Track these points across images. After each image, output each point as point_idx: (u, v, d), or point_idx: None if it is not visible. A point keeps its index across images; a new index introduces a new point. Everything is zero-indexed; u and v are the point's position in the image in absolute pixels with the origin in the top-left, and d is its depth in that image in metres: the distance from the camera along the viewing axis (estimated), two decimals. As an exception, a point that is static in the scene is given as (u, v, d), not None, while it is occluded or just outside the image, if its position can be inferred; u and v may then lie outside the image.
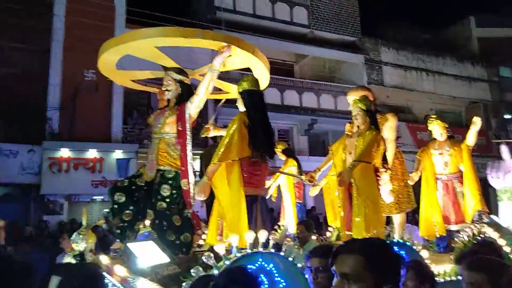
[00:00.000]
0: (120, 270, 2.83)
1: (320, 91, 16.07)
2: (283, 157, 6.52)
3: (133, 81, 4.48)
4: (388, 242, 3.04)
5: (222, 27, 13.39)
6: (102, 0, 12.40)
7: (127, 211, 3.56)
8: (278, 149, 6.35)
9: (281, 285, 2.34)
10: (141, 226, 3.58)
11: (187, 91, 3.68)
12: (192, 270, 2.28)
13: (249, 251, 2.36)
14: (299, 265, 2.48)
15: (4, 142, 10.94)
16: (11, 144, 11.00)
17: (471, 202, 4.88)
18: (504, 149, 5.91)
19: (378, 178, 4.01)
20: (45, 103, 11.53)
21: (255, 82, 3.49)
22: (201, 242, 3.96)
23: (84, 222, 3.52)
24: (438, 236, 4.96)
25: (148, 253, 3.04)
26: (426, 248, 4.06)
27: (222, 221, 3.19)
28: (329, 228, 5.54)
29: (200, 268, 2.26)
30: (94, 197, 12.08)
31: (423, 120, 15.84)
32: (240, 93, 3.44)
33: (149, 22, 10.77)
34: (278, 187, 6.43)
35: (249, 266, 2.25)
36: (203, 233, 3.81)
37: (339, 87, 16.27)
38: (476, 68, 19.65)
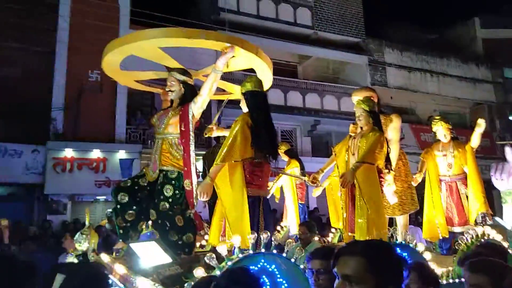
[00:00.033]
0: (120, 269, 2.84)
1: (323, 92, 16.06)
2: (285, 158, 6.53)
3: (137, 81, 4.49)
4: (390, 243, 3.03)
5: (225, 28, 13.41)
6: (106, 1, 12.46)
7: (130, 211, 3.58)
8: (281, 150, 6.36)
9: (283, 286, 2.35)
10: (143, 226, 3.59)
11: (191, 91, 3.69)
12: (194, 271, 2.29)
13: (251, 252, 2.36)
14: (301, 266, 2.48)
15: (8, 142, 10.99)
16: (15, 144, 11.06)
17: (475, 204, 4.86)
18: (508, 151, 5.90)
19: (381, 179, 4.00)
20: (50, 103, 11.58)
21: (259, 83, 3.50)
22: (203, 242, 3.97)
23: (87, 222, 3.53)
24: (441, 238, 4.94)
25: (151, 253, 3.05)
26: (429, 250, 4.05)
27: (225, 222, 3.19)
28: (332, 230, 5.54)
29: (202, 269, 2.27)
30: (98, 197, 12.12)
31: (427, 121, 15.83)
32: (243, 94, 3.44)
33: (153, 23, 10.81)
34: (281, 188, 6.43)
35: (251, 267, 2.26)
36: (206, 233, 3.82)
37: (343, 88, 16.25)
38: (481, 69, 19.57)
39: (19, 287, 1.88)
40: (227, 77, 11.49)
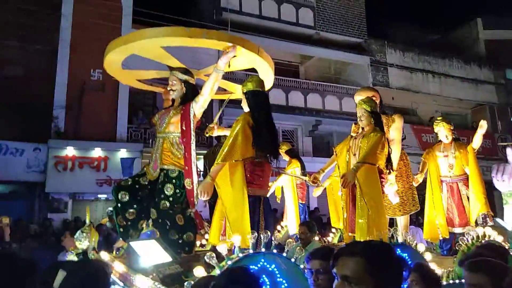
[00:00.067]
0: (119, 267, 2.84)
1: (325, 92, 16.06)
2: (286, 158, 6.53)
3: (139, 80, 4.50)
4: (391, 244, 3.03)
5: (227, 28, 13.42)
6: (109, 0, 12.47)
7: (131, 210, 3.58)
8: (282, 149, 6.35)
9: (283, 286, 2.34)
10: (144, 225, 3.59)
11: (192, 91, 3.69)
12: (194, 270, 2.29)
13: (251, 251, 2.36)
14: (301, 266, 2.48)
15: (10, 140, 11.03)
16: (17, 142, 11.10)
17: (476, 205, 4.86)
18: (510, 152, 5.89)
19: (382, 180, 4.00)
20: (52, 102, 11.60)
21: (260, 83, 3.50)
22: (203, 241, 3.98)
23: (87, 220, 3.53)
24: (441, 238, 4.94)
25: (151, 252, 3.05)
26: (430, 251, 4.05)
27: (225, 221, 3.19)
28: (332, 230, 5.54)
29: (202, 268, 2.27)
30: (99, 196, 12.15)
31: (429, 122, 15.82)
32: (245, 93, 3.44)
33: (156, 23, 10.82)
34: (282, 187, 6.43)
35: (251, 267, 2.26)
36: (206, 232, 3.82)
37: (344, 89, 16.26)
38: (483, 70, 19.54)
39: (19, 285, 1.88)
40: (229, 76, 11.54)
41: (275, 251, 2.43)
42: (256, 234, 2.42)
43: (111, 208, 3.54)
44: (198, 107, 3.58)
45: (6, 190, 11.66)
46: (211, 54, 7.90)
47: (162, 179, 3.54)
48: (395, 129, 4.55)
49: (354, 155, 4.08)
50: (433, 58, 18.43)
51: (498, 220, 5.34)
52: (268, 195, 3.47)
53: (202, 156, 5.78)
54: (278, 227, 6.06)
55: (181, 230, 3.47)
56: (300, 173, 6.27)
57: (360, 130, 4.24)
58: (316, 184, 4.81)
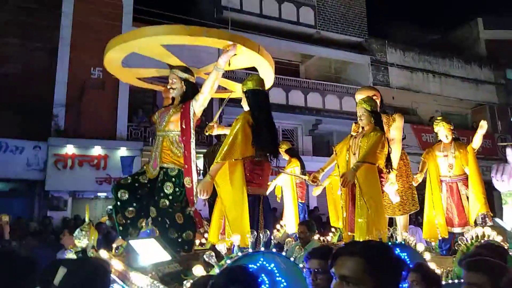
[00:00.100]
0: (117, 265, 2.84)
1: (325, 91, 16.05)
2: (286, 157, 6.53)
3: (139, 79, 4.50)
4: (390, 244, 3.03)
5: (228, 27, 13.41)
6: (109, -2, 12.47)
7: (130, 208, 3.58)
8: (282, 149, 6.36)
9: (282, 285, 2.34)
10: (143, 223, 3.59)
11: (192, 89, 3.69)
12: (193, 269, 2.29)
13: (250, 250, 2.36)
14: (300, 265, 2.48)
15: (10, 138, 11.02)
16: (17, 140, 11.09)
17: (476, 205, 4.86)
18: (509, 152, 5.88)
19: (382, 179, 4.00)
20: (52, 100, 11.59)
21: (260, 81, 3.50)
22: (203, 240, 3.98)
23: (86, 219, 3.53)
24: (440, 238, 4.94)
25: (150, 250, 3.05)
26: (429, 250, 4.05)
27: (224, 220, 3.19)
28: (332, 229, 5.54)
29: (201, 267, 2.27)
30: (98, 194, 12.15)
31: (429, 122, 15.81)
32: (245, 92, 3.44)
33: (156, 21, 10.81)
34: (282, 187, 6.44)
35: (250, 266, 2.26)
36: (205, 231, 3.82)
37: (345, 88, 16.26)
38: (483, 70, 19.53)
39: (19, 282, 1.89)
40: (229, 75, 11.52)
41: (274, 250, 2.43)
42: (256, 233, 2.42)
43: (110, 207, 3.54)
44: (198, 105, 3.57)
45: (6, 188, 11.66)
46: (212, 53, 7.89)
47: (161, 177, 3.53)
48: (395, 128, 4.55)
49: (354, 154, 4.08)
50: (433, 58, 18.42)
51: (497, 220, 5.35)
52: (268, 193, 3.47)
53: (201, 155, 5.77)
54: (278, 226, 6.07)
55: (181, 229, 3.47)
56: (299, 172, 6.27)
57: (360, 129, 4.23)
58: (315, 183, 4.81)
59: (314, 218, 8.43)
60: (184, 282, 2.31)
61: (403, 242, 3.19)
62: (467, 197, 4.98)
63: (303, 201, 6.64)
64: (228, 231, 3.04)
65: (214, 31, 3.64)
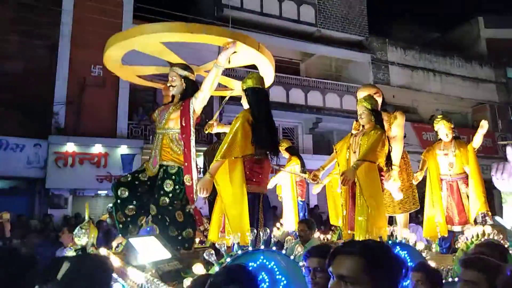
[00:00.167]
0: (115, 262, 2.85)
1: (325, 90, 16.03)
2: (286, 155, 6.52)
3: (139, 76, 4.49)
4: (390, 243, 3.03)
5: (229, 25, 13.38)
6: (110, -4, 12.45)
7: (130, 206, 3.59)
8: (282, 147, 6.35)
9: (282, 283, 2.34)
10: (143, 221, 3.59)
11: (192, 87, 3.68)
12: (193, 267, 2.29)
13: (250, 248, 2.36)
14: (300, 263, 2.47)
15: (10, 136, 11.01)
16: (17, 138, 11.08)
17: (476, 204, 4.85)
18: (510, 151, 5.88)
19: (382, 177, 4.00)
20: (52, 97, 11.58)
21: (260, 80, 3.49)
22: (203, 238, 3.98)
23: (86, 217, 3.53)
24: (440, 236, 4.94)
25: (150, 248, 3.05)
26: (429, 249, 4.05)
27: (224, 218, 3.19)
28: (332, 227, 5.53)
29: (201, 265, 2.27)
30: (99, 192, 12.16)
31: (429, 120, 15.80)
32: (245, 90, 3.43)
33: (156, 19, 10.80)
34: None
35: (250, 264, 2.26)
36: (205, 229, 3.82)
37: (345, 86, 16.24)
38: (484, 69, 19.50)
39: (19, 280, 1.89)
40: (230, 73, 11.50)
41: (274, 248, 2.42)
42: (256, 231, 2.41)
43: (111, 205, 3.54)
44: (197, 103, 3.57)
45: (6, 186, 11.66)
46: (212, 51, 7.87)
47: (161, 175, 3.53)
48: (397, 126, 4.54)
49: (354, 152, 4.08)
50: (434, 57, 18.40)
51: (498, 218, 5.34)
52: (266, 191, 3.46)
53: (201, 153, 5.77)
54: (278, 224, 6.07)
55: (181, 227, 3.48)
56: (299, 170, 6.26)
57: (361, 127, 4.23)
58: (315, 181, 4.81)
59: (314, 217, 8.44)
60: (184, 280, 2.30)
61: (403, 241, 3.19)
62: (467, 196, 4.97)
63: (303, 199, 6.63)
64: (228, 229, 3.03)
65: (214, 29, 3.63)
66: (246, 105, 3.41)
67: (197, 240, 3.85)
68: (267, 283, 2.29)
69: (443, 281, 3.02)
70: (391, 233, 3.19)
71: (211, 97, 3.75)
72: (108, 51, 3.70)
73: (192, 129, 3.52)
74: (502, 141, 16.21)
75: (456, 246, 3.85)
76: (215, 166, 3.10)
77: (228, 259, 2.26)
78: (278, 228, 5.91)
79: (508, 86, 19.83)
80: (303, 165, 6.44)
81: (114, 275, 2.79)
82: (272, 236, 2.47)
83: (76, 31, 11.91)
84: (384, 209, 3.98)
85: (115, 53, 3.79)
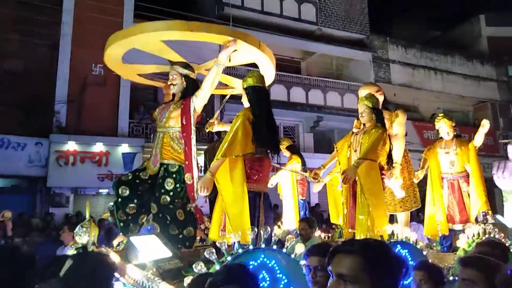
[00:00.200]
0: (114, 259, 2.84)
1: (326, 88, 16.01)
2: (287, 154, 6.52)
3: (139, 75, 4.49)
4: (390, 241, 3.03)
5: (230, 23, 13.37)
6: (110, -6, 12.45)
7: (131, 205, 3.59)
8: (283, 145, 6.35)
9: (283, 282, 2.34)
10: (144, 219, 3.60)
11: (193, 85, 3.68)
12: (194, 265, 2.29)
13: (251, 247, 2.36)
14: (301, 262, 2.47)
15: (12, 134, 11.03)
16: (19, 136, 11.10)
17: (477, 203, 4.84)
18: (511, 149, 5.86)
19: (383, 176, 3.99)
20: (53, 96, 11.59)
21: (260, 78, 3.48)
22: (203, 237, 3.98)
23: (87, 215, 3.53)
24: (441, 235, 4.93)
25: (151, 247, 3.05)
26: (430, 247, 4.05)
27: (225, 217, 3.19)
28: (333, 226, 5.53)
29: (202, 263, 2.27)
30: (100, 191, 12.17)
31: (430, 119, 15.78)
32: (245, 89, 3.43)
33: (157, 17, 10.79)
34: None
35: (251, 263, 2.25)
36: (206, 227, 3.82)
37: (346, 85, 16.22)
38: (485, 67, 19.46)
39: (19, 278, 1.89)
40: (231, 72, 11.49)
41: (275, 247, 2.42)
42: (256, 230, 2.41)
43: (112, 203, 3.55)
44: (198, 101, 3.57)
45: (8, 185, 11.69)
46: (212, 49, 7.86)
47: (162, 173, 3.54)
48: (398, 124, 4.53)
49: (355, 151, 4.07)
50: (435, 55, 18.36)
51: (499, 217, 5.34)
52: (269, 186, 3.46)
53: (202, 152, 5.77)
54: (279, 223, 6.07)
55: (182, 225, 3.48)
56: (300, 169, 6.26)
57: (362, 126, 4.22)
58: (316, 180, 4.80)
59: (315, 215, 8.44)
60: (185, 278, 2.30)
61: (404, 239, 3.19)
62: (468, 194, 4.97)
63: (304, 198, 6.63)
64: (229, 228, 3.03)
65: (214, 27, 3.63)
66: (246, 104, 3.40)
67: (197, 238, 3.85)
68: (267, 282, 2.29)
69: (445, 280, 3.02)
70: (392, 231, 3.19)
71: (212, 96, 3.75)
72: (108, 49, 3.70)
73: (193, 128, 3.52)
74: (503, 139, 16.17)
75: (457, 245, 3.85)
76: (216, 165, 3.10)
77: (229, 258, 2.26)
78: (279, 227, 5.91)
79: (510, 84, 19.79)
80: (304, 163, 6.44)
81: (116, 274, 2.79)
82: (272, 234, 2.47)
83: (76, 30, 11.91)
84: (385, 207, 3.98)
85: (116, 52, 3.79)
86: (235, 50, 3.59)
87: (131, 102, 12.60)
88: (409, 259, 2.97)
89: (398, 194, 4.25)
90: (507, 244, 3.32)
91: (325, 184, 5.19)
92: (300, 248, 2.49)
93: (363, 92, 4.45)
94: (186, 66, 3.73)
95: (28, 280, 1.87)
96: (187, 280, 2.25)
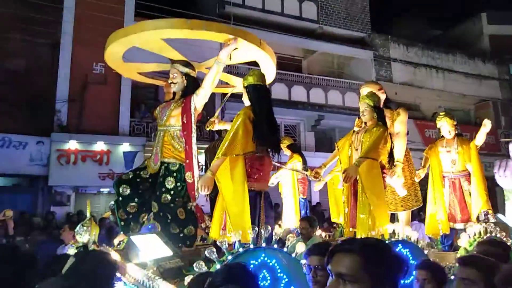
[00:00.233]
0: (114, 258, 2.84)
1: (328, 87, 15.99)
2: (288, 152, 6.51)
3: (140, 73, 4.48)
4: (391, 240, 3.02)
5: (231, 22, 13.35)
6: (111, -7, 12.44)
7: (132, 204, 3.59)
8: (284, 144, 6.34)
9: (283, 281, 2.33)
10: (145, 218, 3.59)
11: (193, 83, 3.68)
12: (194, 264, 2.28)
13: (252, 246, 2.35)
14: (302, 261, 2.47)
15: (13, 133, 11.04)
16: (20, 135, 11.11)
17: (478, 202, 4.83)
18: (512, 148, 5.83)
19: (384, 175, 3.98)
20: (54, 95, 11.61)
21: (261, 76, 3.47)
22: (204, 235, 3.98)
23: (88, 214, 3.53)
24: (442, 234, 4.92)
25: (151, 246, 3.05)
26: (431, 246, 4.04)
27: (225, 216, 3.19)
28: (334, 225, 5.53)
29: (202, 263, 2.27)
30: (101, 189, 12.18)
31: (432, 117, 15.74)
32: (246, 87, 3.42)
33: (158, 16, 10.77)
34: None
35: (251, 262, 2.25)
36: (207, 226, 3.82)
37: (347, 83, 16.19)
38: (487, 66, 19.41)
39: (20, 277, 1.89)
40: (232, 70, 11.47)
41: (276, 246, 2.42)
42: (257, 229, 2.41)
43: (113, 202, 3.55)
44: (199, 100, 3.56)
45: (9, 183, 11.71)
46: (213, 48, 7.86)
47: (163, 172, 3.53)
48: (400, 122, 4.52)
49: (356, 150, 4.06)
50: (437, 53, 18.32)
51: (500, 216, 5.31)
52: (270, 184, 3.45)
53: (203, 150, 5.77)
54: (279, 222, 6.06)
55: (182, 224, 3.48)
56: (301, 168, 6.25)
57: (363, 124, 4.21)
58: (317, 179, 4.80)
59: (316, 214, 8.43)
60: (186, 277, 2.30)
61: (405, 239, 3.18)
62: (470, 193, 4.95)
63: (305, 197, 6.63)
64: (229, 227, 3.03)
65: (214, 25, 3.61)
66: (247, 102, 3.39)
67: (198, 237, 3.85)
68: (268, 281, 2.29)
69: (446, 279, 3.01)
70: (393, 230, 3.18)
71: (213, 94, 3.74)
72: (109, 48, 3.69)
73: (194, 126, 3.52)
74: (505, 138, 16.14)
75: (458, 244, 3.83)
76: (216, 164, 3.09)
77: (230, 257, 2.25)
78: (280, 226, 5.90)
79: (511, 83, 19.73)
80: (305, 162, 6.43)
81: (118, 274, 2.79)
82: (273, 233, 2.47)
83: (77, 28, 11.92)
84: (386, 206, 3.97)
85: (116, 50, 3.79)
86: (236, 49, 3.58)
87: (132, 101, 12.60)
88: (410, 258, 2.96)
89: (400, 192, 4.24)
90: (508, 243, 3.31)
91: (326, 183, 5.18)
92: (301, 247, 2.48)
93: (364, 90, 4.44)
94: (186, 64, 3.73)
95: (29, 279, 1.87)
96: (188, 279, 2.24)
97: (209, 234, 3.56)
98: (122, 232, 3.70)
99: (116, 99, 12.28)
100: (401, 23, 20.24)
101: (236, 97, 4.24)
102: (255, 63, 4.14)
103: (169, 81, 3.72)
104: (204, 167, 5.74)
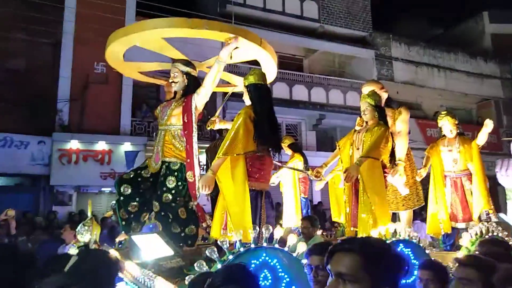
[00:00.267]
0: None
1: (329, 86, 15.97)
2: (289, 152, 6.50)
3: (141, 73, 4.48)
4: (393, 240, 3.01)
5: (232, 21, 13.34)
6: (112, -8, 12.44)
7: (133, 203, 3.59)
8: (285, 143, 6.33)
9: (284, 281, 2.33)
10: (146, 218, 3.59)
11: (194, 83, 3.67)
12: (195, 264, 2.28)
13: (253, 246, 2.35)
14: (303, 261, 2.46)
15: (14, 133, 11.06)
16: (22, 135, 11.12)
17: (480, 202, 4.82)
18: (514, 147, 5.82)
19: (386, 174, 3.97)
20: (55, 95, 11.62)
21: (262, 76, 3.47)
22: (205, 235, 3.98)
23: (89, 214, 3.53)
24: (444, 233, 4.91)
25: (153, 245, 3.05)
26: (432, 246, 4.02)
27: (226, 215, 3.18)
28: (335, 224, 5.52)
29: (203, 262, 2.26)
30: (103, 189, 12.20)
31: (433, 116, 15.70)
32: (246, 86, 3.41)
33: (159, 15, 10.76)
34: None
35: (252, 261, 2.25)
36: (208, 226, 3.82)
37: (349, 83, 16.17)
38: (489, 65, 19.36)
39: (20, 276, 1.90)
40: (233, 70, 11.47)
41: (276, 245, 2.41)
42: (258, 229, 2.40)
43: (114, 202, 3.56)
44: (199, 99, 3.56)
45: (11, 183, 11.73)
46: (214, 47, 7.85)
47: (164, 171, 3.53)
48: (402, 121, 4.51)
49: (358, 149, 4.05)
50: (438, 52, 18.28)
51: (502, 215, 5.31)
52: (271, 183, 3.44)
53: (204, 150, 5.77)
54: (280, 221, 6.05)
55: (184, 224, 3.47)
56: (302, 167, 6.24)
57: (364, 124, 4.20)
58: (318, 178, 4.79)
59: (317, 213, 8.43)
60: (187, 277, 2.30)
61: (406, 238, 3.17)
62: (471, 193, 4.94)
63: (306, 196, 6.62)
64: (230, 226, 3.02)
65: (215, 24, 3.61)
66: (248, 102, 3.39)
67: (199, 237, 3.85)
68: (269, 281, 2.29)
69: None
70: (395, 230, 3.17)
71: (214, 94, 3.73)
72: (109, 47, 3.69)
73: (194, 126, 3.51)
74: (506, 137, 16.10)
75: (460, 243, 3.82)
76: (217, 163, 3.09)
77: (231, 257, 2.25)
78: (281, 225, 5.90)
79: (513, 82, 19.70)
80: (306, 161, 6.42)
81: (120, 275, 2.79)
82: (274, 233, 2.46)
83: (79, 28, 11.93)
84: (387, 206, 3.96)
85: (117, 49, 3.78)
86: (237, 48, 3.57)
87: (133, 100, 12.61)
88: (412, 257, 2.96)
89: (402, 191, 4.23)
90: (510, 243, 3.30)
91: (327, 183, 5.17)
92: (302, 247, 2.48)
93: (366, 89, 4.43)
94: (187, 63, 3.72)
95: (28, 279, 1.87)
96: (189, 278, 2.24)
97: (210, 233, 3.56)
98: (123, 232, 3.69)
99: (117, 99, 12.30)
100: (403, 22, 20.24)
101: (237, 96, 4.23)
102: (256, 62, 4.14)
103: (170, 80, 3.72)
104: (205, 166, 5.74)
